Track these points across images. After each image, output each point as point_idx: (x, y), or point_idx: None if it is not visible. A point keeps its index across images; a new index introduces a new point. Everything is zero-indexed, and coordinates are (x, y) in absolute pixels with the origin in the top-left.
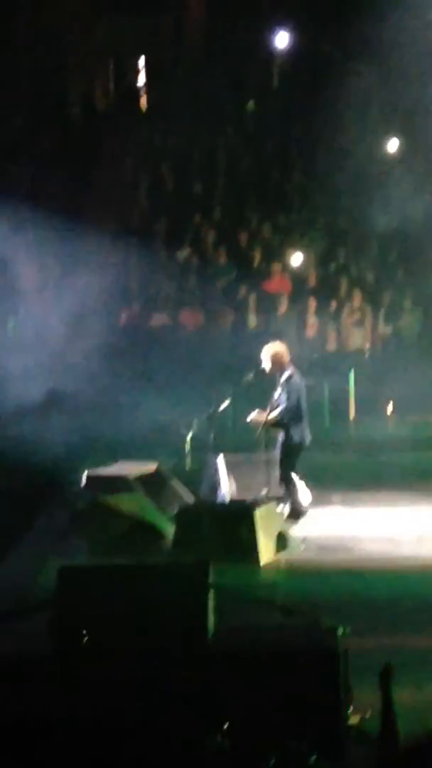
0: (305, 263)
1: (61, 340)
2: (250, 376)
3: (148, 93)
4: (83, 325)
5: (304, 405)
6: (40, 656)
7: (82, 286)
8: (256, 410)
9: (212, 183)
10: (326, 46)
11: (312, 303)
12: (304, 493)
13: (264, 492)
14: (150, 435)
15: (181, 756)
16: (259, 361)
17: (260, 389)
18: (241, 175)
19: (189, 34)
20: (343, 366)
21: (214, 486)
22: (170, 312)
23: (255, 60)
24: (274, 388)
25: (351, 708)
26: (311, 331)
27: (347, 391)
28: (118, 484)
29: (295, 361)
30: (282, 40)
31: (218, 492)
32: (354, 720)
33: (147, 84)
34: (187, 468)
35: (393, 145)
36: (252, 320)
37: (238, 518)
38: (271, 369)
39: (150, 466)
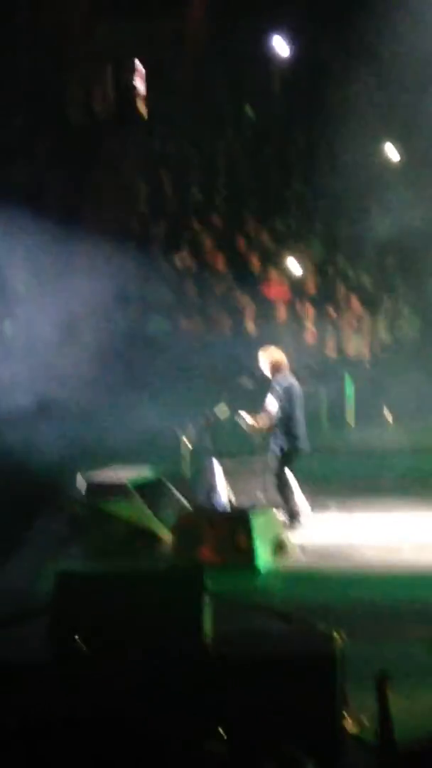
0: (303, 269)
1: (57, 344)
2: (248, 381)
3: (147, 97)
4: (80, 329)
5: (300, 411)
6: (38, 661)
7: (79, 291)
8: (247, 414)
9: (211, 188)
10: (326, 51)
11: (310, 309)
12: (301, 499)
13: (261, 497)
14: (147, 440)
15: (178, 761)
16: (256, 367)
17: (257, 395)
18: (239, 181)
19: (188, 38)
20: (341, 372)
21: (212, 491)
22: (168, 317)
23: (254, 64)
24: (269, 393)
25: (347, 714)
26: (309, 337)
27: (346, 398)
28: (116, 489)
29: (293, 367)
30: (282, 45)
31: (215, 497)
32: (350, 726)
33: (146, 88)
34: (184, 473)
35: (392, 151)
36: (250, 326)
37: (236, 524)
38: (269, 374)
39: (148, 472)
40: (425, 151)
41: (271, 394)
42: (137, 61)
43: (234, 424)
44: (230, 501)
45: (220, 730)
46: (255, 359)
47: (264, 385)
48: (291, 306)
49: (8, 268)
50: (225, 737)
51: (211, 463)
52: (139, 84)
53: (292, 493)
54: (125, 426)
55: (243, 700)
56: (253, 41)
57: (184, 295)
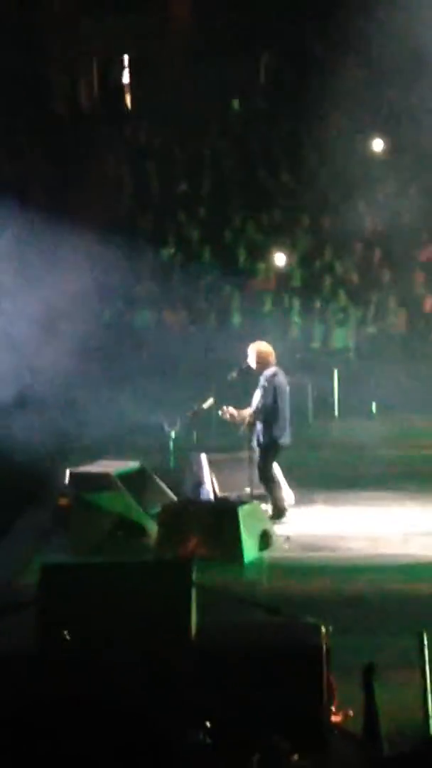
0: (290, 262)
1: (41, 338)
2: (234, 374)
3: (133, 91)
4: (65, 322)
5: (286, 404)
6: (23, 653)
7: (64, 284)
8: (230, 407)
9: (197, 181)
10: (313, 44)
11: (296, 302)
12: (287, 491)
13: (247, 490)
14: (133, 433)
15: (164, 753)
16: (243, 360)
17: (244, 388)
18: (226, 174)
19: (175, 31)
20: (327, 365)
21: (197, 484)
22: (153, 310)
23: (241, 58)
24: (256, 387)
25: (334, 706)
26: (295, 330)
27: (331, 390)
28: (102, 482)
29: (279, 360)
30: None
31: (201, 490)
32: (337, 718)
33: (132, 82)
34: (170, 466)
35: (379, 145)
36: (236, 319)
37: (222, 516)
38: (256, 367)
39: (133, 464)
40: (412, 144)
41: (258, 387)
42: (124, 55)
43: (220, 418)
44: (216, 494)
45: (206, 722)
46: (241, 352)
47: (251, 378)
48: (277, 299)
49: None
50: (211, 729)
51: (197, 456)
52: (125, 77)
53: (278, 485)
54: (112, 419)
55: (229, 692)
56: (240, 33)
57: (170, 287)
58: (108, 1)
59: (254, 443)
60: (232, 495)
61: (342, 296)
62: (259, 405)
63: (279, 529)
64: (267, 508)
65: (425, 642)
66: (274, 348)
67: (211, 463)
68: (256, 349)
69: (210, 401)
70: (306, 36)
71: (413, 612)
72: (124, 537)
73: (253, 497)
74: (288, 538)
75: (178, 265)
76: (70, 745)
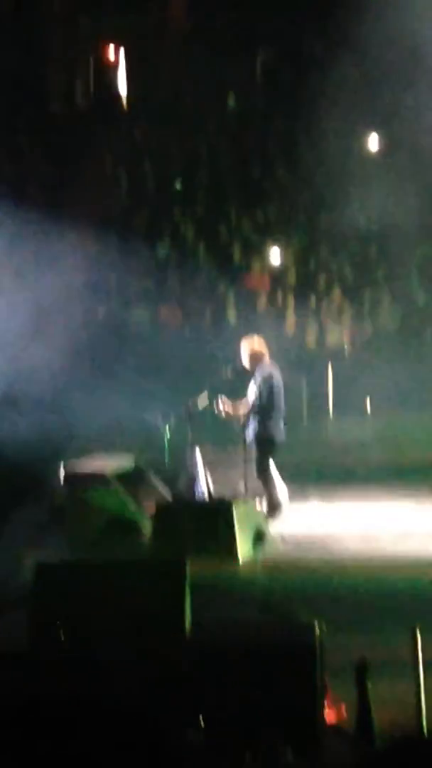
0: (285, 260)
1: (36, 335)
2: (229, 371)
3: (128, 88)
4: (59, 320)
5: (280, 401)
6: (17, 651)
7: (59, 282)
8: (225, 400)
9: (193, 178)
10: (309, 41)
11: (291, 299)
12: (281, 489)
13: (241, 487)
14: (128, 430)
15: (157, 751)
16: (237, 357)
17: (238, 384)
18: (221, 171)
19: (170, 28)
20: (321, 363)
21: (192, 481)
22: (148, 308)
23: (238, 57)
24: (250, 381)
25: (327, 704)
26: (290, 327)
27: (325, 388)
28: (96, 479)
29: (274, 357)
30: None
31: (196, 487)
32: (330, 716)
33: (128, 79)
34: (164, 463)
35: (374, 142)
36: (231, 316)
37: (216, 514)
38: (250, 365)
39: (128, 462)
40: (407, 142)
41: (253, 384)
42: (119, 52)
43: (215, 415)
44: (211, 491)
45: (200, 720)
46: (236, 349)
47: (245, 375)
48: (272, 296)
49: None
50: (205, 727)
51: (191, 453)
52: (121, 74)
53: (273, 483)
54: (106, 416)
55: (223, 689)
56: (237, 30)
57: (165, 284)
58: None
59: (249, 439)
60: (227, 492)
61: (337, 294)
62: (254, 401)
63: (274, 527)
64: (262, 505)
65: (418, 638)
66: (269, 346)
67: (205, 459)
68: (249, 347)
69: (204, 399)
70: (303, 35)
71: (407, 610)
72: (118, 535)
73: (247, 494)
74: (282, 536)
75: (173, 263)
76: (64, 746)
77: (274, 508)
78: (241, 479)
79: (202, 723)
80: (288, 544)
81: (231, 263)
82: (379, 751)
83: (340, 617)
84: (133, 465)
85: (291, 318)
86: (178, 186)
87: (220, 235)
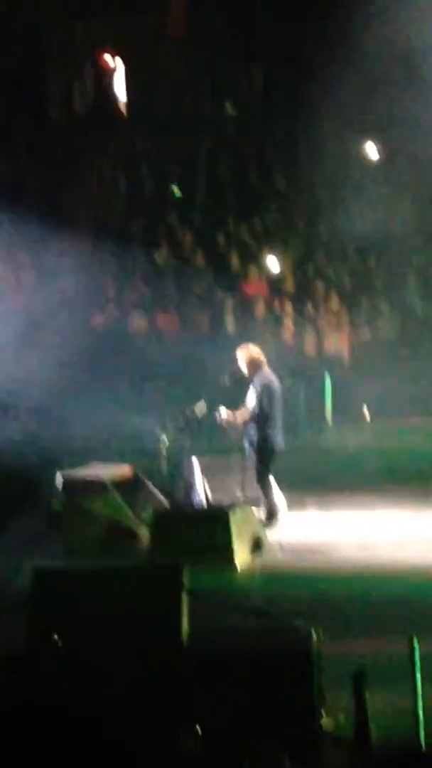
0: (283, 267)
1: (31, 343)
2: (226, 378)
3: (127, 94)
4: (55, 327)
5: (278, 409)
6: (14, 656)
7: (56, 288)
8: (224, 409)
9: (191, 185)
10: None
11: (289, 306)
12: (279, 496)
13: (239, 495)
14: (125, 437)
15: (154, 758)
16: (235, 365)
17: (236, 392)
18: (219, 178)
19: (168, 34)
20: (320, 370)
21: (189, 489)
22: (146, 315)
23: (236, 62)
24: (248, 388)
25: (324, 711)
26: (288, 334)
27: (324, 395)
28: (94, 486)
29: (272, 364)
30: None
31: (193, 495)
32: (327, 723)
33: (126, 85)
34: (162, 471)
35: (372, 150)
36: (229, 323)
37: (214, 521)
38: (248, 372)
39: (125, 469)
40: (406, 150)
41: (251, 391)
42: (117, 58)
43: (212, 422)
44: (208, 498)
45: (197, 727)
46: (234, 357)
47: (243, 383)
48: (270, 304)
49: None
50: (202, 734)
51: (189, 460)
52: (119, 80)
53: (271, 490)
54: (104, 424)
55: (220, 697)
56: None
57: (162, 292)
58: (104, 4)
59: (247, 447)
60: (224, 499)
61: (335, 302)
62: (254, 409)
63: (271, 534)
64: (259, 512)
65: (416, 647)
66: (266, 353)
67: (202, 467)
68: (247, 354)
69: (202, 407)
70: (301, 41)
71: (404, 617)
72: (116, 542)
73: (245, 502)
74: (280, 543)
75: (170, 270)
76: (61, 750)
77: (272, 515)
78: (239, 487)
79: (199, 730)
80: (286, 551)
81: (229, 271)
82: (376, 760)
83: (338, 625)
84: (130, 472)
85: (289, 326)
86: (176, 192)
87: (218, 243)
